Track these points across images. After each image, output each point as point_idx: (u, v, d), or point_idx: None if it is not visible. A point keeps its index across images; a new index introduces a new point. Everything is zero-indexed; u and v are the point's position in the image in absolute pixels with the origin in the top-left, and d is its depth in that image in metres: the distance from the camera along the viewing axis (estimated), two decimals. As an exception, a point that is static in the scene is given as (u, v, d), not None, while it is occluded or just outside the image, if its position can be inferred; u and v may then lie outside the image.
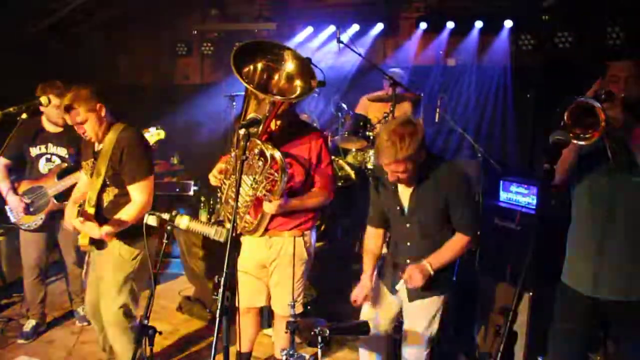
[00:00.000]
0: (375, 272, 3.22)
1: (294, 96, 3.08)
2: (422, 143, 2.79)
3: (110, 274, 3.43)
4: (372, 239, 3.26)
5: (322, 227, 4.70)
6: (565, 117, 2.22)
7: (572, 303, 2.69)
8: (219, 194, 3.40)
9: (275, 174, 3.00)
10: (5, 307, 4.93)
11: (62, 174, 4.16)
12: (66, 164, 4.22)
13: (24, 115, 3.47)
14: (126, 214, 3.33)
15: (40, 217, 4.22)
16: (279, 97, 3.03)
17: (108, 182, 3.34)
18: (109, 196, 3.38)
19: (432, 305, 3.05)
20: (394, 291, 3.14)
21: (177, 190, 6.29)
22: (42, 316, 4.54)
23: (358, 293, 3.13)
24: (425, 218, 3.00)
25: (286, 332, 2.65)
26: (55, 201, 4.16)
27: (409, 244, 3.09)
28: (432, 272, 2.91)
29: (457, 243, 2.98)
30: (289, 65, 3.13)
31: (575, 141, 2.23)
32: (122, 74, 8.44)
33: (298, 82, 3.12)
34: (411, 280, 2.91)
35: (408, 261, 3.04)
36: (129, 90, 7.63)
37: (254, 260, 3.39)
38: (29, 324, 4.44)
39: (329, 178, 3.33)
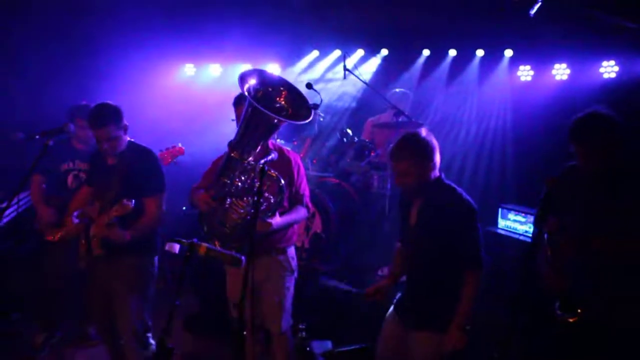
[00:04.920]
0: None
1: (297, 119, 3.21)
2: (426, 154, 2.91)
3: (120, 291, 3.59)
4: (399, 253, 3.30)
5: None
6: None
7: None
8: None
9: (269, 194, 3.17)
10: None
11: None
12: None
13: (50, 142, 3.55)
14: (142, 223, 3.54)
15: None
16: (284, 119, 3.12)
17: (120, 196, 3.46)
18: (119, 209, 3.49)
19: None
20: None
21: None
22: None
23: (371, 287, 3.19)
24: (428, 240, 2.97)
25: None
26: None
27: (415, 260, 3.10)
28: (466, 330, 2.90)
29: (470, 285, 2.90)
30: (287, 93, 3.27)
31: None
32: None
33: (294, 108, 3.25)
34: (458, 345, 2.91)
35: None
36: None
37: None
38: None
39: (306, 194, 3.60)
